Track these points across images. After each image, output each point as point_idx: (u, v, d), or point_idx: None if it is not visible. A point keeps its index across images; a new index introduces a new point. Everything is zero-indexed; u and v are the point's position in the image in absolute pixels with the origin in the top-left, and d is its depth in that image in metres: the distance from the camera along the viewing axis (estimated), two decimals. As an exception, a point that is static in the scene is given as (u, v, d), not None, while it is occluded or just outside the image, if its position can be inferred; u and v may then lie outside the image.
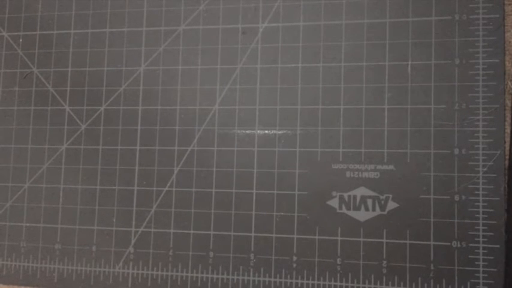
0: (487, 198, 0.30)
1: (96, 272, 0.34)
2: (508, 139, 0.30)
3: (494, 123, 0.30)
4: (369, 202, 0.31)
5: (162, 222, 0.33)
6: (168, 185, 0.34)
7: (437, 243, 0.30)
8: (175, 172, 0.34)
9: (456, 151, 0.30)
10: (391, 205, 0.31)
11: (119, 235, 0.34)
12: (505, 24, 0.30)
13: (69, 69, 0.36)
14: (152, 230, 0.34)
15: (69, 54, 0.36)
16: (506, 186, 0.30)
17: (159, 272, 0.33)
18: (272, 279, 0.32)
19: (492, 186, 0.30)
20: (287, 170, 0.32)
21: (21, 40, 0.37)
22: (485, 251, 0.29)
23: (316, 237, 0.31)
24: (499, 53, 0.30)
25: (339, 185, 0.32)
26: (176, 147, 0.34)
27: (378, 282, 0.30)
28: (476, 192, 0.30)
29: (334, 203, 0.32)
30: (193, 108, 0.34)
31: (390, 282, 0.30)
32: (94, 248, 0.34)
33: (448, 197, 0.30)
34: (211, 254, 0.33)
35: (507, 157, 0.30)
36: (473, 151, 0.30)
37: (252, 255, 0.32)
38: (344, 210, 0.31)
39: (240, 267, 0.32)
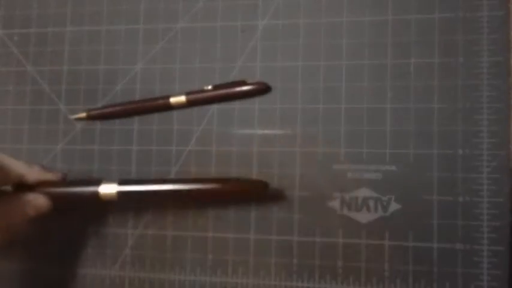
0: (491, 199, 0.29)
1: (91, 274, 0.33)
2: (512, 139, 0.29)
3: (498, 122, 0.30)
4: (371, 203, 0.31)
5: (160, 224, 0.33)
6: (166, 185, 0.33)
7: (440, 245, 0.30)
8: (173, 172, 0.33)
9: (460, 151, 0.30)
10: (394, 206, 0.30)
11: (116, 237, 0.33)
12: (509, 21, 0.30)
13: (65, 67, 0.35)
14: (149, 232, 0.33)
15: (64, 52, 0.36)
16: (511, 187, 0.29)
17: (157, 275, 0.32)
18: (272, 282, 0.31)
19: (496, 187, 0.29)
20: (287, 170, 0.32)
21: (16, 38, 0.37)
22: (490, 253, 0.29)
23: (317, 239, 0.31)
24: (503, 51, 0.30)
25: (340, 185, 0.31)
26: (174, 147, 0.33)
27: (380, 285, 0.30)
28: (480, 193, 0.29)
29: (335, 204, 0.31)
30: (192, 107, 0.33)
31: (392, 285, 0.30)
32: (89, 250, 0.33)
33: (452, 198, 0.30)
34: (209, 256, 0.32)
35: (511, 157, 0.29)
36: (477, 151, 0.30)
37: (251, 258, 0.32)
38: (345, 211, 0.31)
39: (239, 269, 0.32)
